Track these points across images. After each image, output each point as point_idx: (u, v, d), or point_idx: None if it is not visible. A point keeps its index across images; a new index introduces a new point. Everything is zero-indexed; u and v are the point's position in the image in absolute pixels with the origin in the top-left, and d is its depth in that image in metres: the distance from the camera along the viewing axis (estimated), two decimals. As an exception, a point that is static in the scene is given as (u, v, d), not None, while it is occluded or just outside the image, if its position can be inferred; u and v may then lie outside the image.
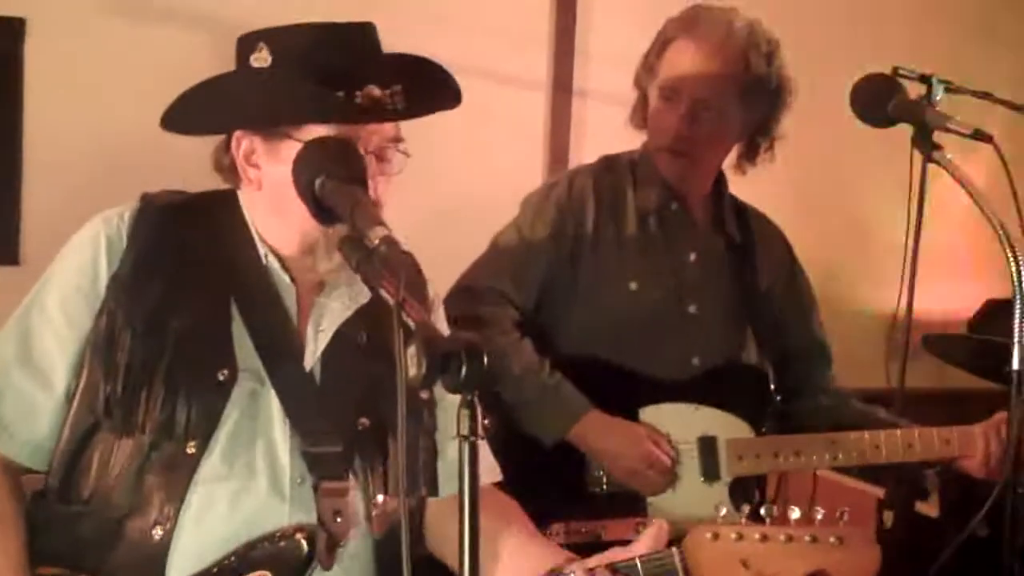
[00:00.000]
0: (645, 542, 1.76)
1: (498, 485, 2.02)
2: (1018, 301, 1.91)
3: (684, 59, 2.53)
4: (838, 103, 2.34)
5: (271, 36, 1.79)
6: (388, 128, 1.80)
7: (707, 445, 2.54)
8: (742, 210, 2.76)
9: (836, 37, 4.01)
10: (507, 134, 3.74)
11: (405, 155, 1.82)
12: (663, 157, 2.61)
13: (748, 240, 2.73)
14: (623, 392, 2.53)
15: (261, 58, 1.78)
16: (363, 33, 1.81)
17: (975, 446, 2.56)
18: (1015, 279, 1.91)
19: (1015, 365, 1.94)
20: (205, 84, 1.83)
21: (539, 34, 3.80)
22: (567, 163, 3.68)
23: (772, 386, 2.68)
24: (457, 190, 3.59)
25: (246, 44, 1.81)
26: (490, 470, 2.02)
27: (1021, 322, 1.92)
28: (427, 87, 1.82)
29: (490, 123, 3.69)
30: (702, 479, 2.53)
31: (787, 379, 2.73)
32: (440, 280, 2.52)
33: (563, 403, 2.49)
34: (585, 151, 3.67)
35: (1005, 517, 1.97)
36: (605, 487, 2.51)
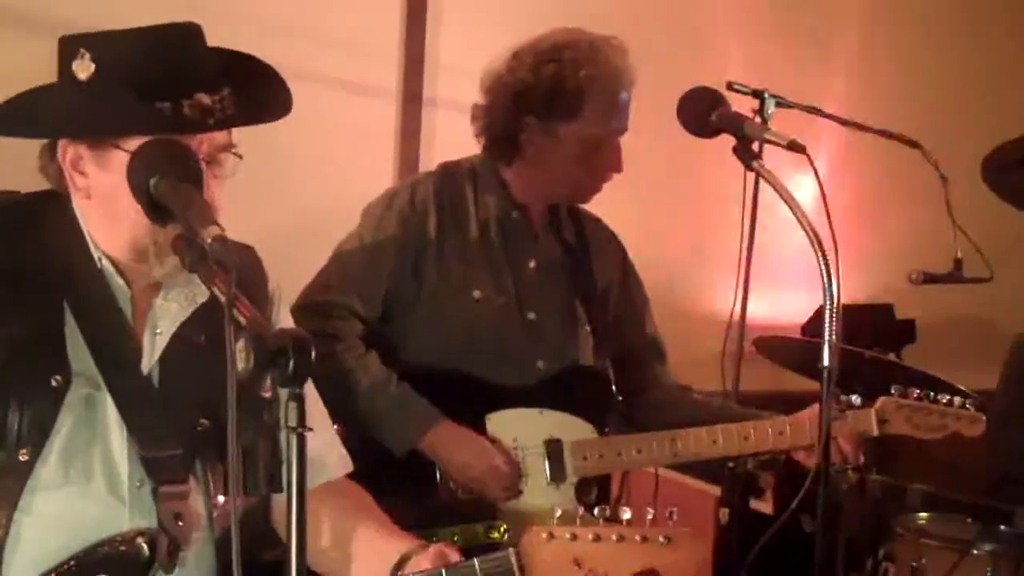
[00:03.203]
0: (428, 556, 1.82)
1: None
2: (827, 303, 2.02)
3: (622, 111, 2.63)
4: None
5: (94, 43, 1.78)
6: (219, 136, 1.80)
7: (553, 448, 2.60)
8: (576, 214, 2.83)
9: (677, 50, 4.14)
10: (358, 144, 3.76)
11: (238, 157, 1.83)
12: (592, 191, 2.70)
13: (583, 244, 2.80)
14: (470, 399, 2.58)
15: (84, 66, 1.76)
16: (188, 35, 1.81)
17: (806, 435, 2.65)
18: (825, 283, 2.01)
19: (824, 362, 2.04)
20: (27, 94, 1.82)
21: (389, 45, 3.82)
22: (418, 172, 3.72)
23: (613, 387, 2.76)
24: (307, 200, 3.59)
25: (68, 48, 1.80)
26: (341, 461, 2.05)
27: (831, 323, 2.02)
28: (257, 93, 1.82)
29: (340, 133, 3.70)
30: (549, 481, 2.59)
31: (626, 378, 2.81)
32: (290, 290, 2.53)
33: (411, 416, 2.53)
34: (436, 160, 3.69)
35: (818, 505, 2.06)
36: (456, 494, 2.56)
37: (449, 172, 2.74)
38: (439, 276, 2.63)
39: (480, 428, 2.59)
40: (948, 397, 2.71)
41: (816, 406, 2.61)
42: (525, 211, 2.73)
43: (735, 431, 2.66)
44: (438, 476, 2.56)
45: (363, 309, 2.60)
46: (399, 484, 2.46)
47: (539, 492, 2.58)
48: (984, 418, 2.74)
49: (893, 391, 2.70)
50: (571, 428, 2.63)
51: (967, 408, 2.72)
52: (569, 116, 2.59)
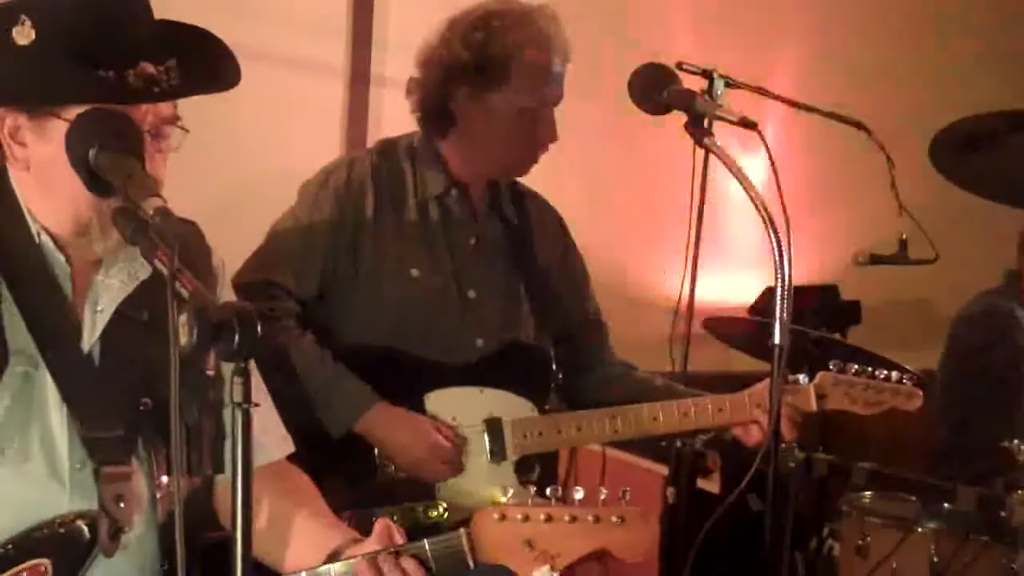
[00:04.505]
0: (374, 540, 1.80)
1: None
2: (779, 282, 2.01)
3: (549, 72, 2.59)
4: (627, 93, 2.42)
5: (34, 8, 1.72)
6: (164, 107, 1.76)
7: (492, 426, 2.58)
8: (517, 191, 2.80)
9: (627, 30, 4.14)
10: (305, 122, 3.73)
11: (183, 130, 1.79)
12: (526, 164, 2.66)
13: (524, 221, 2.77)
14: (409, 378, 2.56)
15: (24, 32, 1.71)
16: (133, 3, 1.76)
17: (746, 413, 2.65)
18: (777, 260, 2.01)
19: (776, 340, 2.05)
20: None
21: (337, 22, 3.80)
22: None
23: (553, 365, 2.73)
24: (253, 178, 3.56)
25: (6, 15, 1.74)
26: (282, 442, 2.01)
27: (782, 301, 2.02)
28: (203, 64, 1.79)
29: (288, 111, 3.67)
30: (489, 459, 2.57)
31: (567, 356, 2.78)
32: (234, 267, 2.50)
33: (347, 397, 2.50)
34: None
35: (767, 485, 2.07)
36: (394, 474, 2.53)
37: (388, 149, 2.69)
38: (376, 255, 2.59)
39: (419, 407, 2.56)
40: (886, 372, 2.73)
41: (757, 385, 2.66)
42: (465, 189, 2.69)
43: (675, 408, 2.65)
44: (376, 456, 2.54)
45: (298, 289, 2.56)
46: (336, 465, 2.44)
47: (479, 471, 2.56)
48: (921, 393, 2.75)
49: (831, 366, 2.70)
50: (511, 406, 2.61)
51: (904, 383, 2.73)
52: (498, 84, 2.56)
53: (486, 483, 2.54)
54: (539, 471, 2.66)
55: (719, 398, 2.67)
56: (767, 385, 2.48)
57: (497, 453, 2.58)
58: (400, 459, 2.51)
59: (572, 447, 2.85)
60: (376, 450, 2.53)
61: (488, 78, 2.56)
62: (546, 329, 2.76)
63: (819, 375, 2.70)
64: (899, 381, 2.74)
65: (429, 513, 2.51)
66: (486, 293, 2.68)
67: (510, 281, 2.73)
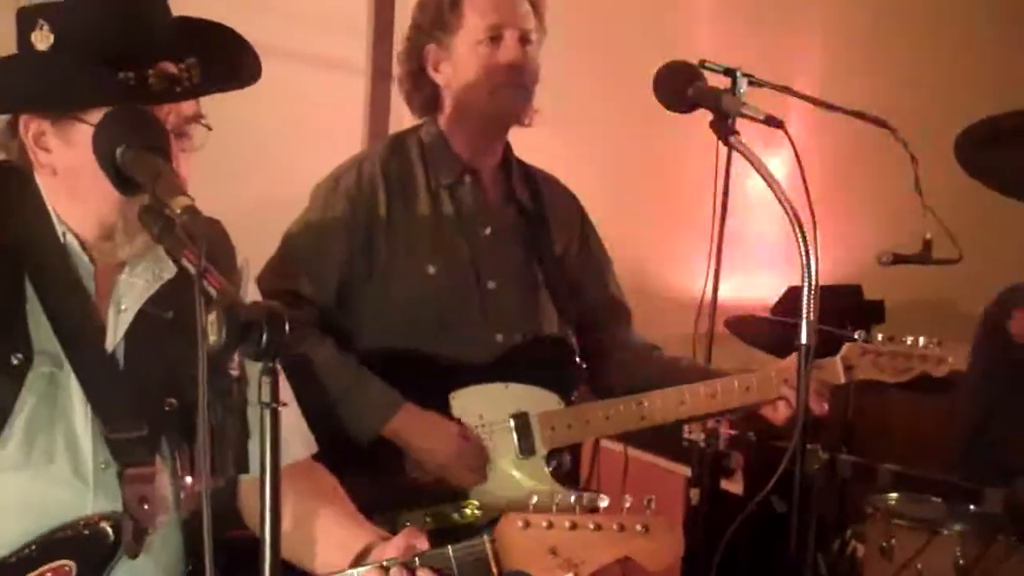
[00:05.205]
0: (395, 545, 1.78)
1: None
2: (806, 281, 2.00)
3: (506, 2, 2.57)
4: (651, 91, 2.41)
5: (52, 12, 1.72)
6: (186, 106, 1.76)
7: (520, 421, 2.56)
8: (530, 175, 2.76)
9: (648, 29, 4.11)
10: (328, 119, 3.73)
11: (207, 128, 1.78)
12: (505, 95, 2.58)
13: (539, 206, 2.73)
14: (433, 379, 2.53)
15: (43, 37, 1.71)
16: (151, 3, 1.76)
17: (772, 389, 2.59)
18: (803, 259, 1.99)
19: (803, 339, 2.03)
20: None
21: (358, 19, 3.79)
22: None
23: (576, 354, 2.70)
24: (276, 175, 3.55)
25: (26, 20, 1.74)
26: (306, 441, 2.01)
27: (809, 300, 2.00)
28: (224, 60, 1.78)
29: (310, 108, 3.67)
30: (519, 455, 2.55)
31: (590, 341, 2.75)
32: (258, 265, 2.50)
33: (371, 402, 2.48)
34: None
35: (793, 486, 2.05)
36: (423, 478, 2.51)
37: (397, 144, 2.68)
38: (391, 254, 2.56)
39: (444, 407, 2.54)
40: (912, 339, 2.67)
41: (782, 361, 2.61)
42: (477, 176, 2.66)
43: (702, 390, 2.60)
44: (405, 458, 2.51)
45: (314, 294, 2.53)
46: (365, 466, 2.42)
47: (510, 467, 2.54)
48: (950, 358, 2.70)
49: (857, 336, 2.65)
50: (537, 400, 2.58)
51: (932, 348, 2.66)
52: (456, 26, 2.57)
53: (518, 479, 2.53)
54: (570, 461, 2.63)
55: (746, 376, 2.61)
56: (792, 361, 2.42)
57: (527, 448, 2.55)
58: (428, 463, 2.49)
59: (597, 441, 2.81)
60: (405, 453, 2.51)
61: (447, 27, 2.58)
62: (567, 316, 2.72)
63: (845, 346, 2.64)
64: (926, 346, 2.67)
65: (463, 512, 2.50)
66: (506, 282, 2.64)
67: (529, 268, 2.69)
